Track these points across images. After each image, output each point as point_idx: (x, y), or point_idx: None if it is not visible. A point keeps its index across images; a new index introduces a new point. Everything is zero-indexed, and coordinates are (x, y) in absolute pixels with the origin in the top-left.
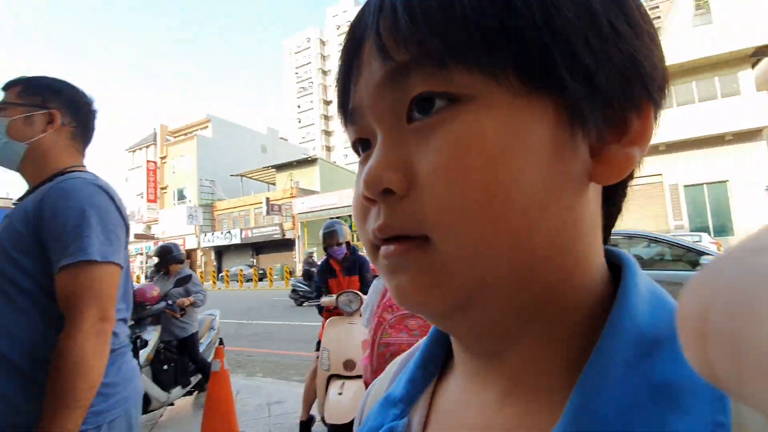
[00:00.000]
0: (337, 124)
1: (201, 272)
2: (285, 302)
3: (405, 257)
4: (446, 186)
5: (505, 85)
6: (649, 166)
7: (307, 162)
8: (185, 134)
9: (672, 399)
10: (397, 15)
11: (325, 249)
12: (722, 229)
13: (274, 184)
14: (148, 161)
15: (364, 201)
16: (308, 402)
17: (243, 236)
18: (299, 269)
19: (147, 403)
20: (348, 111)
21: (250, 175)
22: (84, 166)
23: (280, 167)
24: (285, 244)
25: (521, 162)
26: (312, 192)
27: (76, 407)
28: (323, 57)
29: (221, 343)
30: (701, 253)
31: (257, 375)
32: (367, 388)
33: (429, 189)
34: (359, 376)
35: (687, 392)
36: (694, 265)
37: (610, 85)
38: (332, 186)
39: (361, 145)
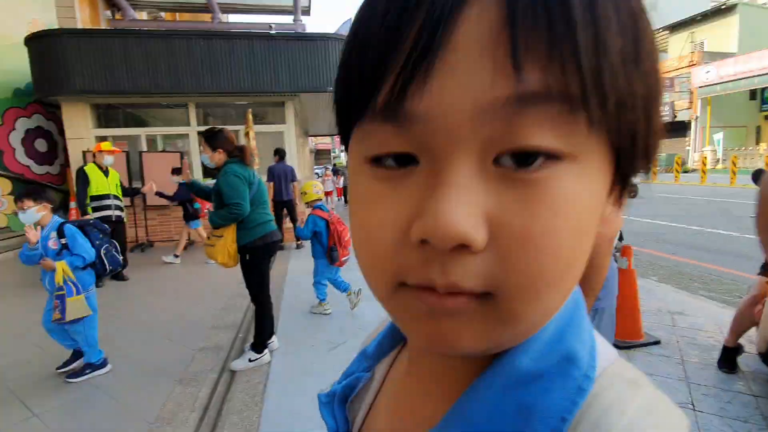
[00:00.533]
0: None
1: None
2: (682, 200)
3: (464, 306)
4: (538, 252)
5: (604, 148)
6: None
7: (720, 13)
8: None
9: (529, 418)
10: (554, 17)
11: None
12: None
13: (665, 51)
14: None
15: (427, 235)
16: (740, 327)
17: None
18: (695, 159)
19: None
20: (401, 108)
21: None
22: None
23: (676, 27)
24: (676, 128)
25: (593, 228)
26: (724, 55)
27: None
28: None
29: (621, 238)
30: None
31: (650, 277)
32: None
33: (516, 251)
34: None
35: (540, 417)
36: None
37: (652, 157)
38: (758, 43)
39: (397, 157)
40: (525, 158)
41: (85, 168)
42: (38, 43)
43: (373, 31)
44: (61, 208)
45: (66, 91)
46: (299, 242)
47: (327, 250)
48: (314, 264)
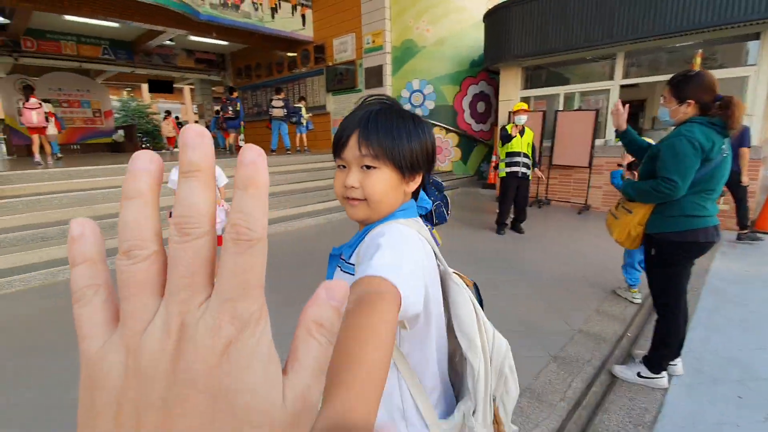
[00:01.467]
0: None
1: None
2: None
3: (357, 204)
4: (372, 191)
5: (391, 166)
6: None
7: None
8: None
9: (373, 238)
10: (371, 141)
11: None
12: None
13: None
14: None
15: (345, 186)
16: None
17: None
18: None
19: None
20: (340, 154)
21: None
22: None
23: None
24: None
25: (390, 187)
26: None
27: None
28: None
29: None
30: None
31: None
32: None
33: (368, 190)
34: None
35: (374, 236)
36: None
37: (417, 172)
38: None
39: (340, 164)
40: (368, 167)
41: (507, 126)
42: (492, 17)
43: (337, 137)
44: (483, 160)
45: (505, 57)
46: (744, 232)
47: None
48: None
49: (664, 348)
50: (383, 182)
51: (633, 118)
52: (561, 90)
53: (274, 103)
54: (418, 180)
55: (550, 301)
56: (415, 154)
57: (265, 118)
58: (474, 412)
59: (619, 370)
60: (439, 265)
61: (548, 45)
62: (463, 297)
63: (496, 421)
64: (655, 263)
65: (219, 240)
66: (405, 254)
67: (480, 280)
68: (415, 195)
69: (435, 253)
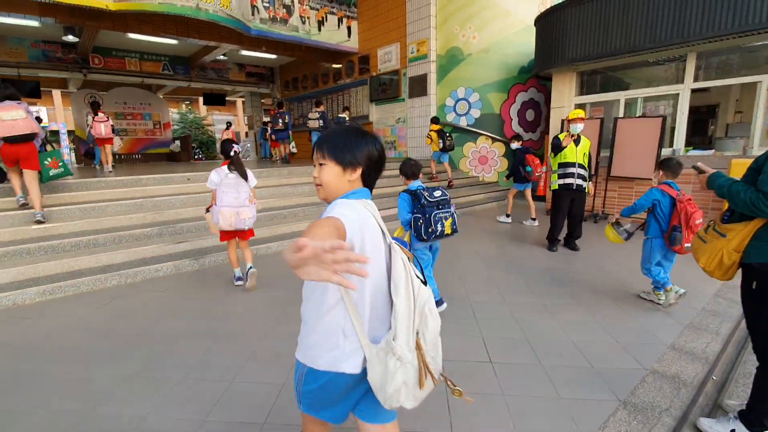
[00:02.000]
0: None
1: None
2: None
3: (319, 188)
4: (323, 179)
5: (334, 162)
6: None
7: None
8: None
9: (330, 209)
10: (322, 148)
11: None
12: None
13: None
14: None
15: (313, 177)
16: None
17: None
18: None
19: None
20: (312, 158)
21: None
22: None
23: None
24: None
25: (335, 176)
26: None
27: None
28: None
29: None
30: None
31: None
32: None
33: (322, 179)
34: None
35: (330, 207)
36: None
37: (355, 167)
38: None
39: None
40: (321, 164)
41: (560, 135)
42: (544, 20)
43: (312, 148)
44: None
45: (559, 62)
46: None
47: (668, 230)
48: (645, 246)
49: (766, 402)
50: (329, 173)
51: (702, 125)
52: (621, 95)
53: (310, 115)
54: (358, 172)
55: (612, 331)
56: (352, 153)
57: (307, 129)
58: (395, 338)
59: (708, 425)
60: (385, 239)
61: (608, 47)
62: (397, 259)
63: (418, 347)
64: (757, 299)
65: (251, 232)
66: (346, 209)
67: (529, 302)
68: (369, 186)
69: (381, 228)
